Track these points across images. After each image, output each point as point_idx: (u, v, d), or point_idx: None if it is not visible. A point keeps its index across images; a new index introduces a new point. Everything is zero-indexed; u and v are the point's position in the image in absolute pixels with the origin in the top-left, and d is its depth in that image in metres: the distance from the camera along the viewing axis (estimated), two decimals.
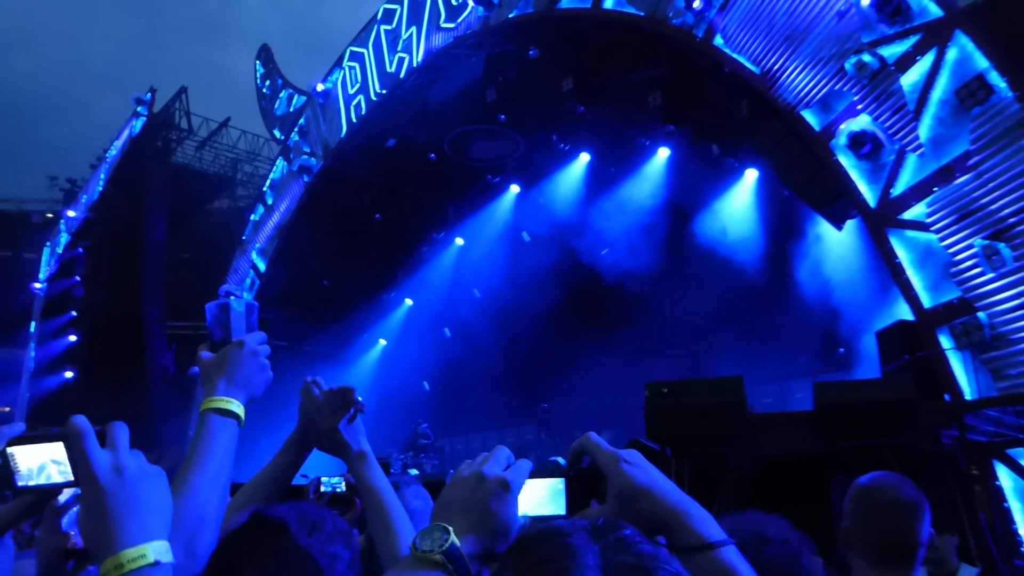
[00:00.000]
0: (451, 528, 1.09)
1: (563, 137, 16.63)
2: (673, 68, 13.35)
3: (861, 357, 11.38)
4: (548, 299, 16.75)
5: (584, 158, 16.99)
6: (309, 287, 20.55)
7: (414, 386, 20.16)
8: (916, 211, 9.48)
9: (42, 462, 1.27)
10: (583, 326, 16.18)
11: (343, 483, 4.23)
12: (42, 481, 1.26)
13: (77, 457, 1.14)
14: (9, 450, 1.24)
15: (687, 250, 14.72)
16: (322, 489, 4.05)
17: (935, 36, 9.31)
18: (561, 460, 11.54)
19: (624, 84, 14.22)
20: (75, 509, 1.80)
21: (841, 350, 12.85)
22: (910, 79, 9.50)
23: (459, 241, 20.02)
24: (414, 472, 15.14)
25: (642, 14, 12.78)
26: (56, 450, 1.24)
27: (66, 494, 1.81)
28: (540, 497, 1.32)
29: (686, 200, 15.20)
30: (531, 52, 14.93)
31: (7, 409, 30.78)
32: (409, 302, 21.19)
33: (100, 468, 1.12)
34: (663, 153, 15.63)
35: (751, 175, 14.73)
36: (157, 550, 1.07)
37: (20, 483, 1.25)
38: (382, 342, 21.65)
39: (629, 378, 13.84)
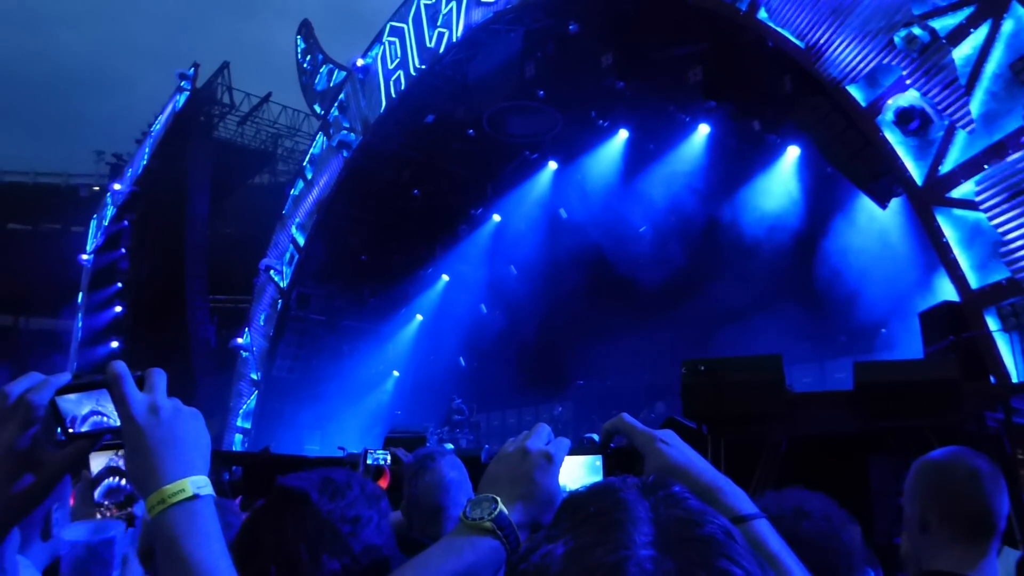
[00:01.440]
0: (499, 498, 1.17)
1: (602, 113, 16.48)
2: (714, 43, 13.13)
3: (903, 337, 11.19)
4: (585, 276, 16.73)
5: (623, 135, 16.83)
6: (348, 262, 20.78)
7: (450, 362, 20.32)
8: (965, 189, 9.24)
9: (88, 409, 1.30)
10: (620, 303, 16.13)
11: (389, 456, 4.31)
12: (88, 428, 1.30)
13: (116, 399, 1.18)
14: (57, 398, 1.28)
15: (727, 227, 14.55)
16: (368, 462, 4.14)
17: (990, 7, 9.01)
18: (596, 437, 11.56)
19: (664, 59, 14.04)
20: (108, 481, 1.85)
21: (883, 330, 12.64)
22: (962, 52, 9.22)
23: (496, 217, 20.03)
24: (449, 447, 15.31)
25: None
26: (101, 397, 1.28)
27: (98, 465, 1.85)
28: (578, 473, 1.36)
29: (726, 177, 15.00)
30: (571, 27, 14.79)
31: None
32: (446, 278, 21.30)
33: (137, 409, 1.16)
34: (703, 130, 15.41)
35: (793, 152, 14.47)
36: (196, 483, 1.11)
37: (69, 430, 1.30)
38: (419, 317, 21.82)
39: (665, 356, 13.83)
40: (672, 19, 13.21)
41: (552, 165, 18.52)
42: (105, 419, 1.28)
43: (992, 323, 8.81)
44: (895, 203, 11.12)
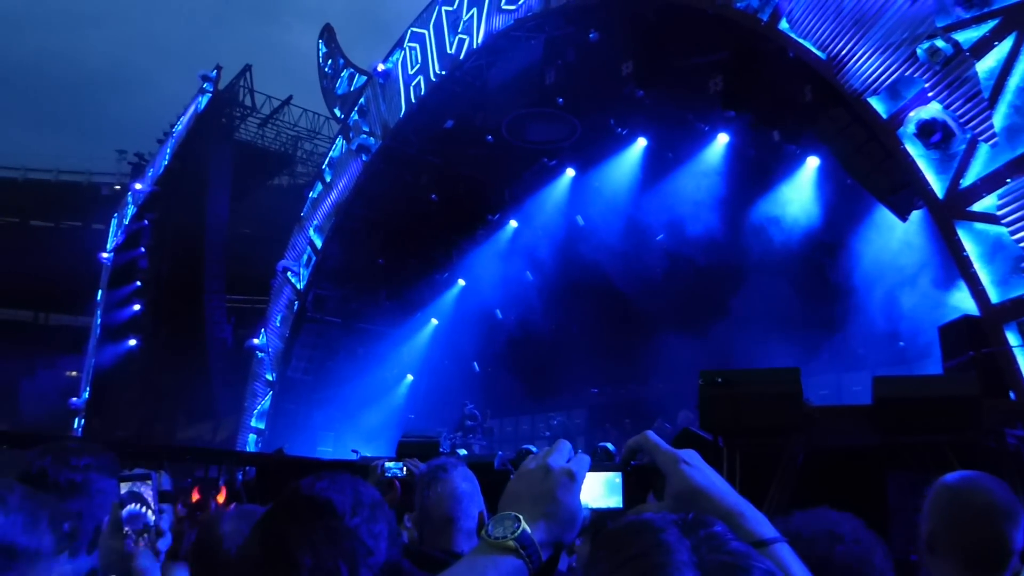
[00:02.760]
0: (521, 517, 1.16)
1: (621, 121, 16.47)
2: (735, 52, 13.09)
3: (922, 351, 11.10)
4: (601, 284, 16.69)
5: (641, 143, 16.81)
6: (365, 265, 20.86)
7: (464, 366, 20.33)
8: (986, 203, 9.17)
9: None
10: (636, 312, 16.09)
11: (404, 468, 4.31)
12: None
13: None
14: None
15: (745, 238, 14.49)
16: (386, 474, 4.13)
17: (1015, 20, 8.95)
18: (610, 446, 11.51)
19: (684, 68, 14.01)
20: (130, 507, 1.90)
21: (901, 344, 12.55)
22: (986, 65, 9.16)
23: (513, 223, 20.05)
24: (463, 452, 15.30)
25: None
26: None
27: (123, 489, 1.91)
28: (598, 490, 1.35)
29: (745, 187, 14.94)
30: (591, 35, 14.80)
31: (74, 374, 32.02)
32: (462, 283, 21.34)
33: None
34: (722, 139, 15.37)
35: (813, 163, 14.41)
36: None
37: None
38: (434, 321, 21.87)
39: (681, 366, 13.77)
40: (693, 28, 13.18)
41: (570, 172, 18.52)
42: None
43: (1013, 338, 8.72)
44: (915, 216, 11.06)
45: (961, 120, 9.39)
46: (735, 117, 14.27)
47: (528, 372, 18.54)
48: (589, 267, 16.86)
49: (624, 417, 16.68)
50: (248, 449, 21.25)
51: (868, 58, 10.33)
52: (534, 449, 12.53)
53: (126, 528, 1.89)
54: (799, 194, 14.38)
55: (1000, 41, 9.04)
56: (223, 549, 2.31)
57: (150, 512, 1.91)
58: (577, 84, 15.77)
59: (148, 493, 1.92)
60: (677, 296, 15.28)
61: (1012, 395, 8.37)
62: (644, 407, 16.42)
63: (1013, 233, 8.90)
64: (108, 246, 31.66)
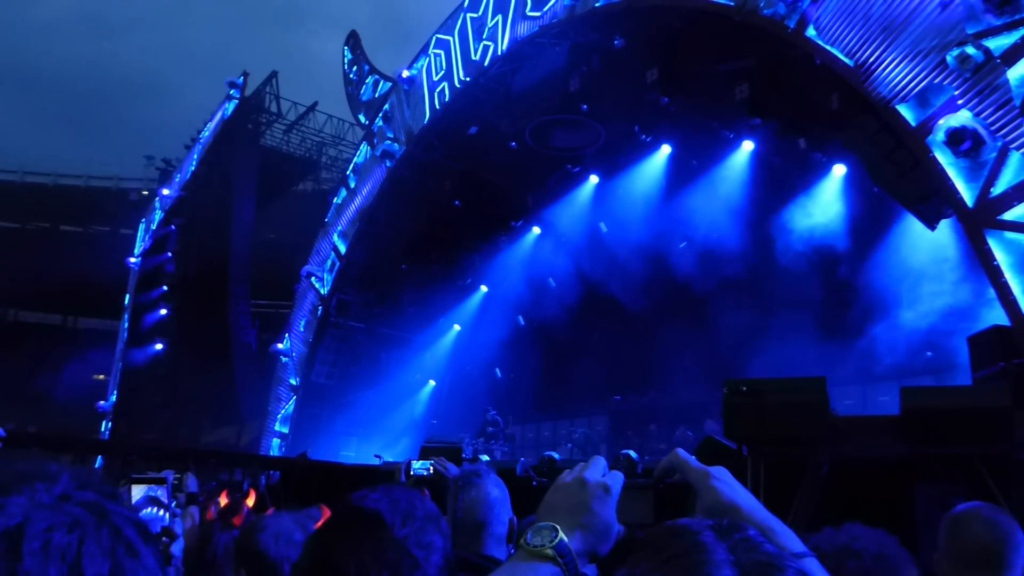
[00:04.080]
0: (559, 527, 1.21)
1: (645, 128, 16.43)
2: (761, 60, 13.04)
3: (950, 362, 10.95)
4: (624, 291, 16.65)
5: (666, 150, 16.77)
6: (388, 270, 20.97)
7: (486, 372, 20.36)
8: (1018, 212, 9.04)
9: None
10: (659, 319, 16.02)
11: (431, 468, 4.33)
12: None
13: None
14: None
15: (770, 246, 14.38)
16: (411, 474, 4.14)
17: None
18: (633, 454, 11.46)
19: (710, 75, 13.96)
20: (146, 511, 1.91)
21: (929, 354, 12.39)
22: (1018, 72, 9.04)
23: (536, 230, 20.07)
24: (485, 459, 15.31)
25: (732, 4, 12.50)
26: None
27: (137, 495, 1.92)
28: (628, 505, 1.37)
29: (771, 195, 14.85)
30: (616, 42, 14.79)
31: (101, 377, 32.45)
32: (484, 289, 21.38)
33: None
34: (747, 146, 15.29)
35: (839, 171, 14.29)
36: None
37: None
38: (456, 327, 21.92)
39: (705, 373, 13.70)
40: (719, 35, 13.13)
41: (593, 179, 18.51)
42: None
43: None
44: (944, 224, 10.92)
45: (992, 128, 9.27)
46: (760, 124, 14.19)
47: (550, 378, 18.52)
48: (612, 274, 16.82)
49: (645, 424, 16.61)
50: (272, 453, 21.40)
51: (897, 65, 10.24)
52: (556, 456, 12.49)
53: None
54: (825, 202, 14.27)
55: None
56: (269, 557, 2.34)
57: (167, 515, 1.93)
58: (602, 91, 15.77)
59: (164, 496, 1.94)
60: (701, 304, 15.20)
61: None
62: (667, 414, 16.34)
63: None
64: (136, 251, 32.09)
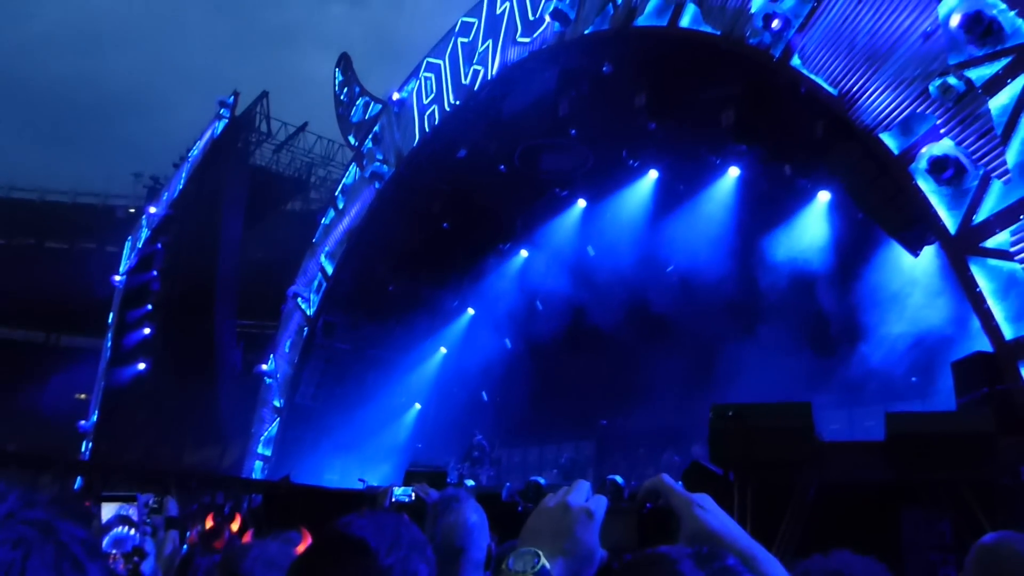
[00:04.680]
0: (541, 552, 1.21)
1: (633, 153, 16.56)
2: (747, 87, 13.20)
3: (935, 387, 11.02)
4: (611, 314, 16.67)
5: (653, 175, 16.90)
6: (375, 292, 20.91)
7: (473, 395, 20.28)
8: (999, 239, 9.16)
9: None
10: (646, 343, 16.05)
11: (413, 494, 4.32)
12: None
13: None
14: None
15: (756, 271, 14.48)
16: (393, 500, 4.13)
17: None
18: (619, 479, 11.39)
19: (697, 101, 14.12)
20: (116, 529, 1.90)
21: (914, 379, 12.46)
22: (999, 102, 9.20)
23: (524, 253, 20.11)
24: (470, 483, 15.21)
25: (719, 33, 12.71)
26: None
27: (108, 514, 1.91)
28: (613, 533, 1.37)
29: (756, 220, 14.97)
30: (605, 68, 14.95)
31: (83, 396, 32.08)
32: (472, 311, 21.35)
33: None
34: (733, 172, 15.44)
35: (824, 197, 14.45)
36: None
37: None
38: (443, 350, 21.85)
39: (691, 398, 13.71)
40: (705, 62, 13.31)
41: (581, 203, 18.61)
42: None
43: None
44: (928, 250, 11.04)
45: (973, 156, 9.42)
46: (746, 151, 14.34)
47: (537, 402, 18.47)
48: (599, 297, 16.85)
49: (632, 448, 16.58)
50: (254, 476, 21.17)
51: (880, 94, 10.40)
52: (542, 481, 12.43)
53: (113, 551, 1.89)
54: (810, 228, 14.40)
55: (1013, 78, 9.10)
56: None
57: (138, 533, 1.92)
58: (590, 115, 15.89)
59: (135, 514, 1.93)
60: (687, 328, 15.24)
61: None
62: (654, 438, 16.32)
63: None
64: (121, 269, 31.89)
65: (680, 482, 1.36)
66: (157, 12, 60.28)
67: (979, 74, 9.36)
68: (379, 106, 21.66)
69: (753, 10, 12.12)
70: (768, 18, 11.82)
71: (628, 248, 16.61)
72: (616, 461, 16.21)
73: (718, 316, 14.74)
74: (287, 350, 22.47)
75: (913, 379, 12.40)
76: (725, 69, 13.06)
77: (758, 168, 14.64)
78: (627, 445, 16.71)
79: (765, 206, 14.86)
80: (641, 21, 14.13)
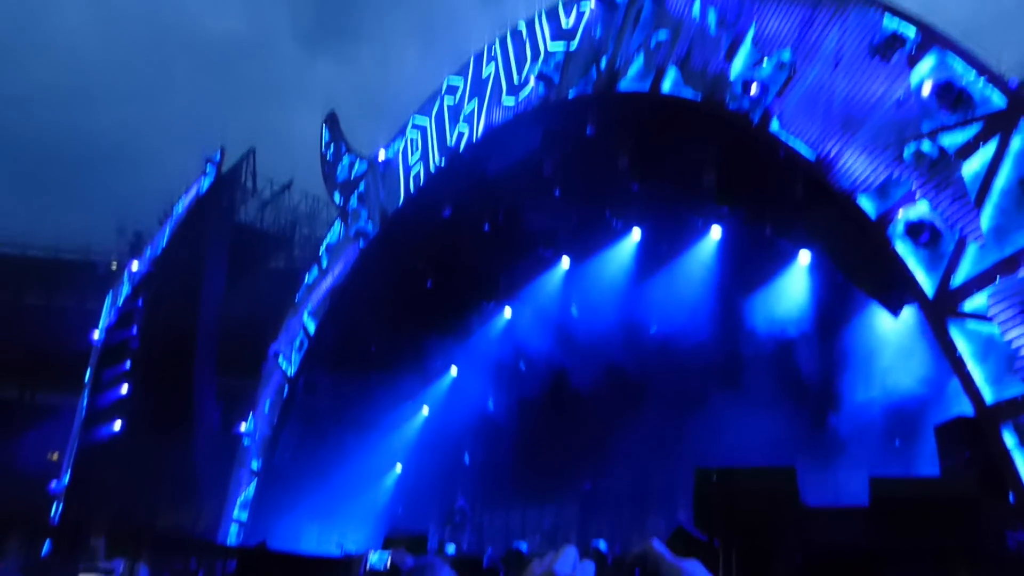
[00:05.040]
0: None
1: (616, 213, 16.74)
2: (727, 150, 13.43)
3: (917, 450, 10.97)
4: (594, 375, 16.60)
5: (636, 235, 17.05)
6: (357, 351, 20.72)
7: (454, 458, 19.99)
8: (977, 302, 9.26)
9: None
10: (628, 405, 15.94)
11: (389, 561, 4.22)
12: None
13: None
14: None
15: (737, 332, 14.50)
16: (368, 568, 4.03)
17: (998, 124, 9.25)
18: (602, 545, 11.17)
19: (679, 163, 14.33)
20: None
21: (896, 442, 12.40)
22: (971, 168, 9.41)
23: (508, 312, 20.07)
24: (451, 549, 14.89)
25: (699, 97, 12.99)
26: None
27: None
28: None
29: (737, 280, 15.07)
30: (588, 130, 15.20)
31: (55, 456, 31.34)
32: (454, 371, 21.19)
33: None
34: (715, 232, 15.60)
35: (805, 257, 14.57)
36: None
37: None
38: (425, 410, 21.58)
39: (675, 461, 13.56)
40: (686, 125, 13.57)
41: (565, 262, 18.68)
42: None
43: (1009, 438, 8.64)
44: (908, 311, 11.11)
45: (948, 221, 9.57)
46: (728, 212, 14.51)
47: (520, 464, 18.22)
48: (583, 358, 16.79)
49: (616, 511, 16.33)
50: (230, 540, 20.62)
51: (856, 159, 10.61)
52: (524, 547, 12.17)
53: None
54: (791, 288, 14.48)
55: (985, 143, 9.32)
56: None
57: None
58: (574, 175, 16.08)
59: None
60: (670, 389, 15.17)
61: (1011, 497, 8.23)
62: (637, 501, 16.09)
63: (1005, 332, 8.94)
64: (100, 325, 31.52)
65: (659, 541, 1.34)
66: (145, 68, 61.02)
67: (951, 141, 9.59)
68: (365, 164, 21.84)
69: (732, 76, 12.43)
70: (747, 84, 12.13)
71: (611, 308, 16.63)
72: (600, 525, 15.94)
73: (701, 377, 14.69)
74: (266, 410, 22.15)
75: (896, 442, 12.35)
76: (706, 132, 13.30)
77: (739, 229, 14.80)
78: (611, 508, 16.45)
79: (746, 266, 14.97)
80: (624, 85, 14.43)
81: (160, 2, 61.57)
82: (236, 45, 63.32)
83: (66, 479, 29.04)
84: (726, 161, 13.60)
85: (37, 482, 28.90)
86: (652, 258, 16.56)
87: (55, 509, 28.43)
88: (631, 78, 14.33)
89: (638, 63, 14.26)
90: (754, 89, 12.01)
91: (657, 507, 14.90)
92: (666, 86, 13.56)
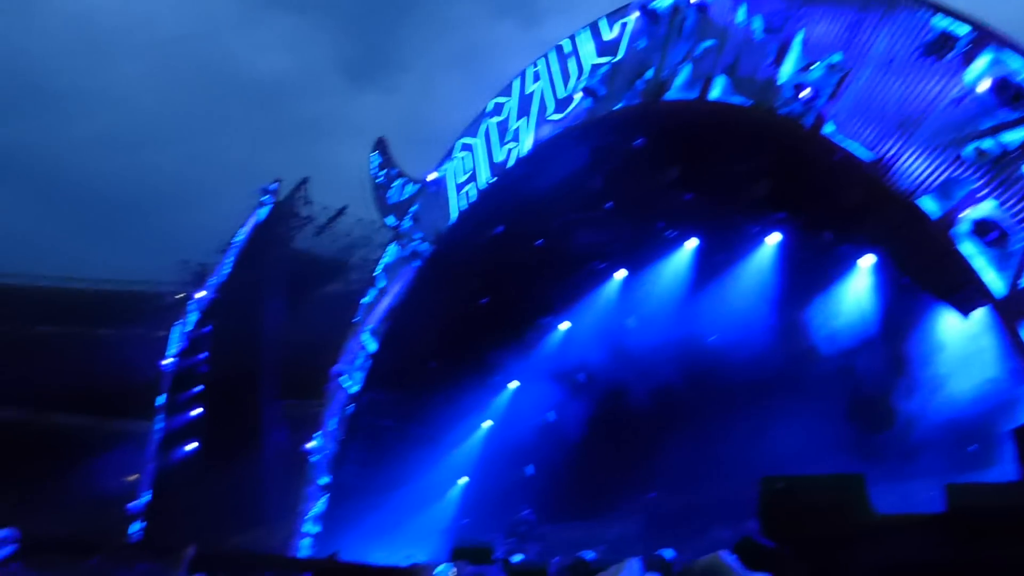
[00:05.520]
0: None
1: (670, 224, 16.67)
2: (780, 156, 13.29)
3: (994, 456, 10.64)
4: (655, 386, 16.52)
5: (691, 245, 16.92)
6: (417, 368, 20.99)
7: (517, 470, 20.08)
8: None
9: None
10: (692, 414, 15.82)
11: (453, 573, 4.33)
12: None
13: None
14: None
15: (800, 339, 14.28)
16: None
17: None
18: (668, 554, 11.14)
19: (731, 172, 14.22)
20: None
21: (972, 447, 12.04)
22: None
23: (564, 326, 20.13)
24: (519, 558, 14.93)
25: (749, 103, 12.88)
26: None
27: None
28: None
29: (798, 287, 14.84)
30: (636, 142, 15.20)
31: (134, 477, 32.42)
32: (514, 385, 21.30)
33: None
34: (773, 240, 15.39)
35: (868, 260, 14.27)
36: None
37: None
38: (486, 424, 21.75)
39: (741, 470, 13.38)
40: (737, 132, 13.44)
41: (620, 274, 18.65)
42: None
43: None
44: (980, 312, 10.82)
45: (1016, 218, 9.32)
46: (785, 218, 14.33)
47: (583, 475, 18.20)
48: (642, 370, 16.73)
49: (681, 523, 16.17)
50: (302, 554, 21.06)
51: (915, 159, 10.40)
52: (589, 556, 12.16)
53: None
54: (853, 293, 14.21)
55: None
56: None
57: None
58: (625, 188, 16.08)
59: None
60: (732, 398, 15.00)
61: None
62: (703, 512, 15.90)
63: None
64: (170, 352, 32.57)
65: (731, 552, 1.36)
66: (198, 110, 63.14)
67: (1013, 137, 9.34)
68: (416, 186, 22.21)
69: (781, 81, 12.30)
70: (798, 88, 11.99)
71: (669, 319, 16.55)
72: (664, 535, 15.77)
73: (763, 386, 14.49)
74: (332, 428, 22.59)
75: (972, 447, 11.99)
76: (757, 138, 13.16)
77: (797, 235, 14.59)
78: (675, 519, 16.28)
79: (806, 273, 14.73)
80: (671, 95, 14.35)
81: (211, 48, 63.84)
82: (283, 83, 65.35)
83: (144, 499, 30.04)
84: (780, 166, 13.45)
85: (116, 503, 29.96)
86: (709, 267, 16.43)
87: (134, 528, 29.42)
88: (678, 88, 14.26)
89: (685, 72, 14.18)
90: (805, 92, 11.87)
91: (721, 517, 14.68)
92: (714, 93, 13.46)
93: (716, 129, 13.79)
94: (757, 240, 15.52)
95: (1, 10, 57.10)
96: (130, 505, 30.01)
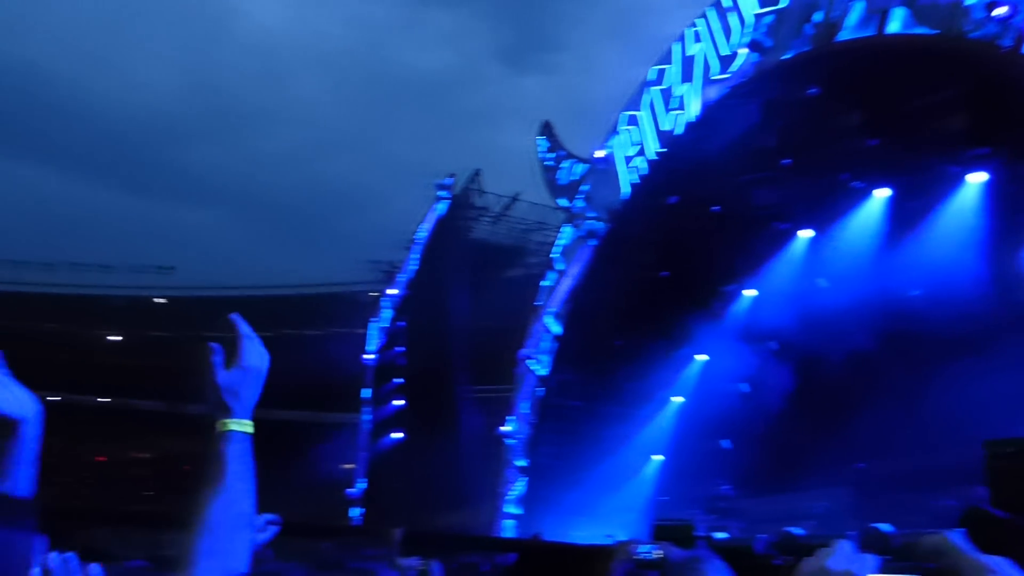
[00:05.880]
0: None
1: (855, 175, 15.56)
2: (976, 85, 12.04)
3: None
4: (852, 348, 15.52)
5: (881, 194, 15.69)
6: (602, 348, 21.08)
7: (713, 444, 19.64)
8: None
9: None
10: (895, 376, 14.73)
11: (658, 554, 4.31)
12: None
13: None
14: None
15: (1015, 287, 12.86)
16: (638, 557, 4.15)
17: None
18: (885, 527, 10.56)
19: (920, 109, 13.10)
20: None
21: None
22: None
23: (749, 293, 19.39)
24: (720, 535, 14.65)
25: (935, 32, 11.79)
26: None
27: None
28: None
29: (1010, 229, 13.36)
30: (811, 91, 14.35)
31: (351, 466, 35.08)
32: (703, 358, 20.83)
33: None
34: (976, 178, 13.93)
35: None
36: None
37: None
38: (678, 399, 21.44)
39: (955, 433, 12.30)
40: (923, 66, 12.39)
41: (805, 234, 17.66)
42: None
43: None
44: None
45: None
46: (988, 153, 12.97)
47: (782, 447, 17.47)
48: (838, 331, 15.78)
49: (896, 494, 15.11)
50: (506, 535, 21.84)
51: None
52: (797, 532, 11.71)
53: None
54: None
55: None
56: None
57: None
58: (802, 143, 15.27)
59: None
60: (939, 357, 13.76)
61: None
62: (920, 481, 14.79)
63: None
64: (370, 348, 34.79)
65: (962, 530, 1.25)
66: (370, 116, 66.55)
67: None
68: (584, 165, 22.20)
69: (970, 1, 11.15)
70: (991, 6, 10.82)
71: (863, 276, 15.45)
72: (878, 508, 14.81)
73: (979, 341, 13.19)
74: (525, 411, 23.20)
75: None
76: (947, 70, 12.06)
77: (1004, 171, 13.14)
78: (889, 490, 15.23)
79: (1019, 212, 13.24)
80: (844, 35, 13.49)
81: (375, 56, 67.08)
82: (446, 77, 67.35)
83: (361, 485, 32.45)
84: (976, 96, 12.24)
85: (336, 489, 32.54)
86: (904, 217, 15.16)
87: (354, 512, 31.87)
88: (851, 26, 13.32)
89: (858, 9, 13.23)
90: (1001, 9, 10.68)
91: (939, 486, 13.56)
92: (893, 27, 12.47)
93: (898, 65, 12.77)
94: (957, 181, 14.11)
95: (190, 49, 63.12)
96: (349, 491, 32.46)
